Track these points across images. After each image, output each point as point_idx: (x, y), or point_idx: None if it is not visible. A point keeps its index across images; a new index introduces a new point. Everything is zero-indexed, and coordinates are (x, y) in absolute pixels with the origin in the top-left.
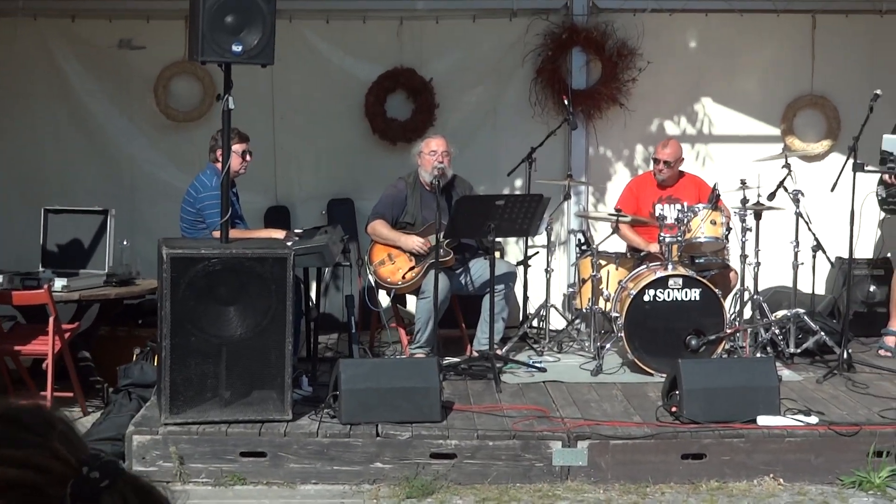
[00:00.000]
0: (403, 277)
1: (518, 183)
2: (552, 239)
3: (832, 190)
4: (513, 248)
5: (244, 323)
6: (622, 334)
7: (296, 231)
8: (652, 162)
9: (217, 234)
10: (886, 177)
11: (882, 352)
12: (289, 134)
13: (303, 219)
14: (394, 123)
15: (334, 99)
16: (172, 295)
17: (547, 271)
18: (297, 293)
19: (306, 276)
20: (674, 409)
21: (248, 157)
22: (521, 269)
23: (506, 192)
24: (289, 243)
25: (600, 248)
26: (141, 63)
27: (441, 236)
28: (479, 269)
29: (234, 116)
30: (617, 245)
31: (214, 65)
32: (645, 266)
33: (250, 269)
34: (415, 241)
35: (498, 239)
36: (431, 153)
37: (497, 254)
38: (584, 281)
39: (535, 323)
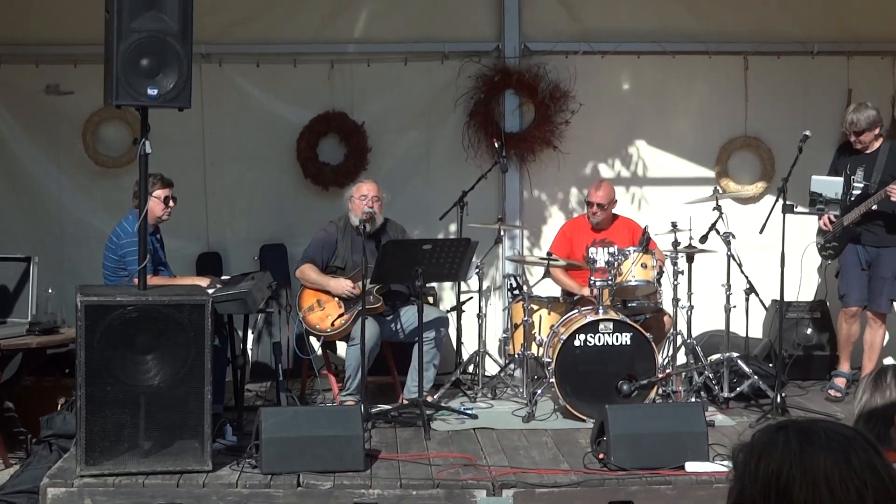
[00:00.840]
0: (332, 325)
1: (452, 228)
2: (486, 284)
3: (761, 231)
4: (447, 294)
5: (162, 371)
6: (553, 380)
7: (222, 278)
8: (585, 205)
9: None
10: (822, 223)
11: (832, 391)
12: (220, 178)
13: (235, 265)
14: (326, 168)
15: (266, 143)
16: (87, 343)
17: (479, 317)
18: (222, 340)
19: (232, 324)
20: (601, 455)
21: (171, 203)
22: (454, 314)
23: (440, 236)
24: (210, 290)
25: (534, 293)
26: (69, 108)
27: (368, 281)
28: (409, 315)
29: (164, 161)
30: (551, 289)
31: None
32: (577, 310)
33: (168, 317)
34: (343, 285)
35: (431, 284)
36: (361, 198)
37: (430, 299)
38: (516, 326)
39: (469, 369)
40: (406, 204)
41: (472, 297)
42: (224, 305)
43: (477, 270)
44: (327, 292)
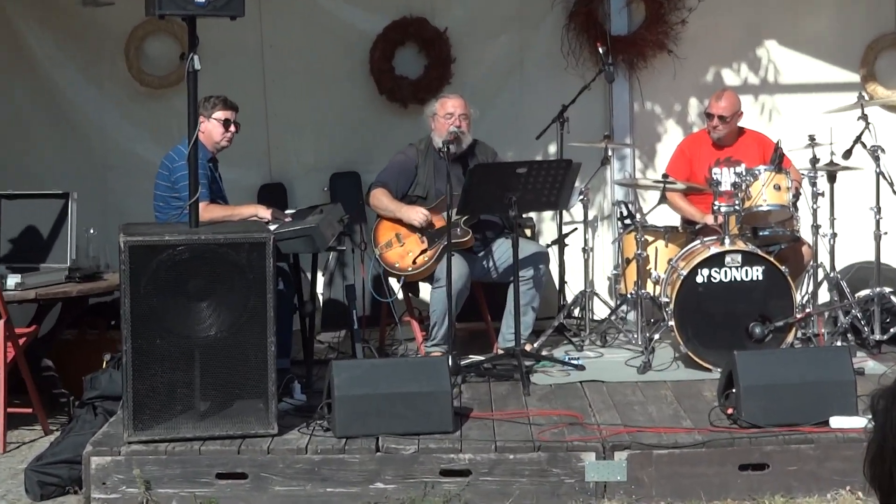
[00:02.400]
0: (414, 262)
1: (551, 149)
2: (591, 213)
3: None
4: (547, 226)
5: (219, 321)
6: (672, 323)
7: (287, 212)
8: (706, 118)
9: None
10: None
11: None
12: (283, 98)
13: (301, 197)
14: (403, 82)
15: (335, 56)
16: (132, 290)
17: (586, 251)
18: (287, 283)
19: (299, 264)
20: (730, 410)
21: (232, 128)
22: (555, 249)
23: (537, 158)
24: (272, 226)
25: (648, 222)
26: (109, 22)
27: (454, 212)
28: (503, 251)
29: (219, 80)
30: (668, 217)
31: None
32: (699, 241)
33: (223, 258)
34: (417, 213)
35: (528, 214)
36: (447, 116)
37: (528, 232)
38: (628, 261)
39: (574, 312)
40: (497, 122)
41: (575, 229)
42: (289, 243)
43: (581, 197)
44: (407, 225)
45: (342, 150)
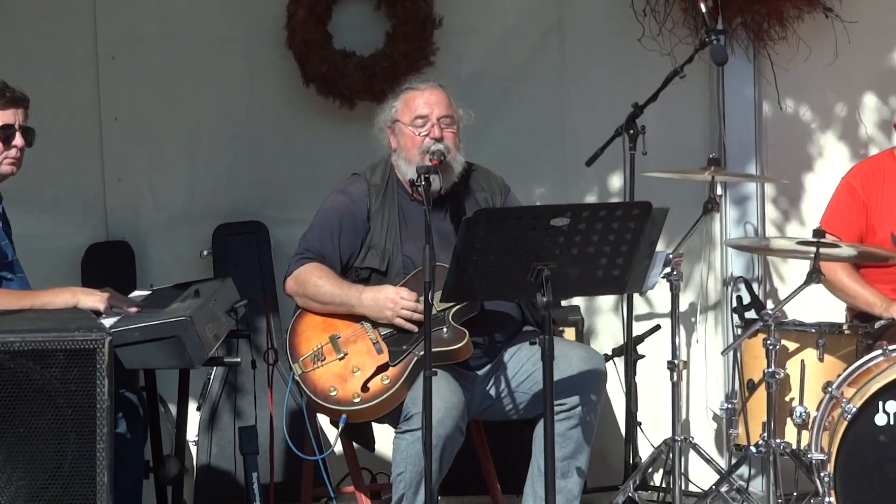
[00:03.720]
0: (364, 389)
1: (613, 183)
2: (686, 298)
3: None
4: (606, 323)
5: (8, 491)
6: (832, 500)
7: (135, 295)
8: (895, 131)
9: None
10: None
11: None
12: (130, 96)
13: (160, 266)
14: (348, 62)
15: (221, 22)
16: None
17: (675, 368)
18: (130, 425)
19: (155, 389)
20: None
21: (17, 140)
22: (619, 363)
23: (588, 199)
24: (108, 320)
25: (787, 316)
26: None
27: (436, 297)
28: (526, 365)
29: (19, 69)
30: (824, 307)
31: None
32: (880, 351)
33: (18, 376)
34: (388, 298)
35: (574, 302)
36: (416, 122)
37: (566, 333)
38: (753, 386)
39: (655, 478)
40: (513, 134)
41: (657, 328)
42: (138, 351)
43: (668, 272)
44: (352, 319)
45: (235, 186)
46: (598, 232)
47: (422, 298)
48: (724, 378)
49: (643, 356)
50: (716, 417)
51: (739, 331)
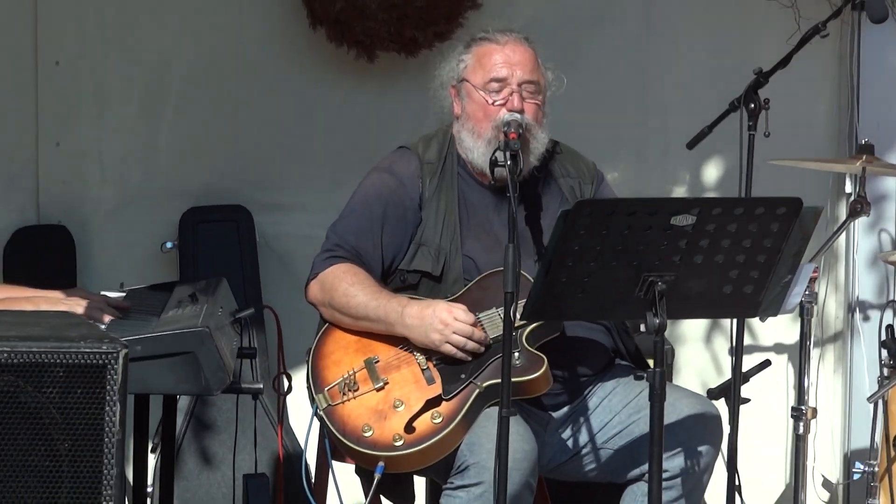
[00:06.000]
0: (409, 430)
1: (710, 172)
2: (818, 327)
3: None
4: (688, 353)
5: None
6: None
7: (110, 295)
8: None
9: None
10: None
11: None
12: (78, 34)
13: (107, 261)
14: (369, 2)
15: None
16: None
17: (800, 415)
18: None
19: (146, 416)
20: None
21: None
22: (721, 406)
23: (708, 193)
24: (102, 322)
25: None
26: None
27: (518, 313)
28: (616, 413)
29: None
30: None
31: None
32: None
33: (9, 398)
34: (440, 317)
35: (690, 323)
36: (493, 85)
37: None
38: None
39: None
40: (572, 102)
41: (767, 364)
42: (138, 370)
43: (806, 292)
44: (396, 339)
45: (211, 157)
46: (730, 235)
47: (483, 318)
48: (843, 433)
49: (748, 400)
50: (861, 473)
51: (887, 371)
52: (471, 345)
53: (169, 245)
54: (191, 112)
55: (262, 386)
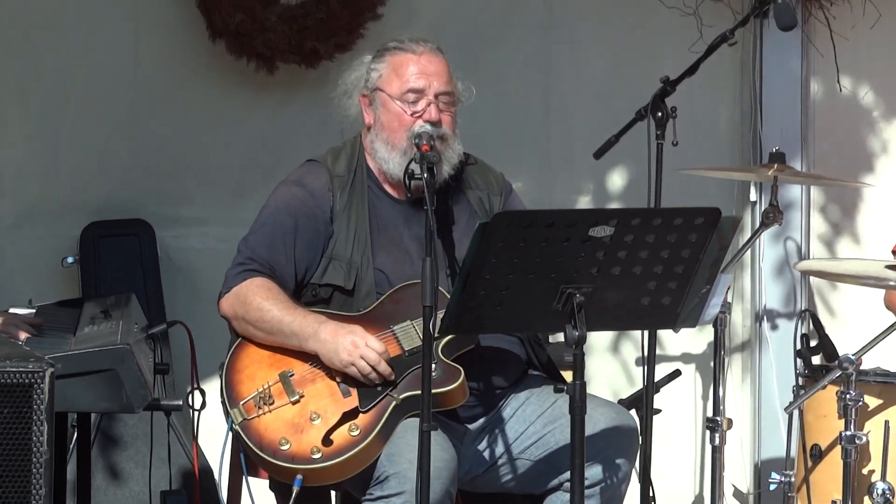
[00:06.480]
0: (326, 443)
1: (615, 181)
2: (730, 336)
3: None
4: (597, 363)
5: None
6: None
7: (18, 312)
8: None
9: None
10: None
11: None
12: None
13: (3, 277)
14: (272, 11)
15: None
16: None
17: (716, 426)
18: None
19: (65, 436)
20: None
21: None
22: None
23: (580, 203)
24: (19, 339)
25: (861, 363)
26: None
27: (436, 326)
28: (530, 423)
29: None
30: None
31: None
32: None
33: None
34: (352, 339)
35: (559, 338)
36: (410, 96)
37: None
38: (819, 454)
39: None
40: (474, 110)
41: (677, 374)
42: (57, 388)
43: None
44: (308, 357)
45: (111, 171)
46: (648, 246)
47: (398, 331)
48: (752, 443)
49: (660, 410)
50: (774, 482)
51: (802, 379)
52: (373, 375)
53: (70, 260)
54: (90, 125)
55: (181, 402)
